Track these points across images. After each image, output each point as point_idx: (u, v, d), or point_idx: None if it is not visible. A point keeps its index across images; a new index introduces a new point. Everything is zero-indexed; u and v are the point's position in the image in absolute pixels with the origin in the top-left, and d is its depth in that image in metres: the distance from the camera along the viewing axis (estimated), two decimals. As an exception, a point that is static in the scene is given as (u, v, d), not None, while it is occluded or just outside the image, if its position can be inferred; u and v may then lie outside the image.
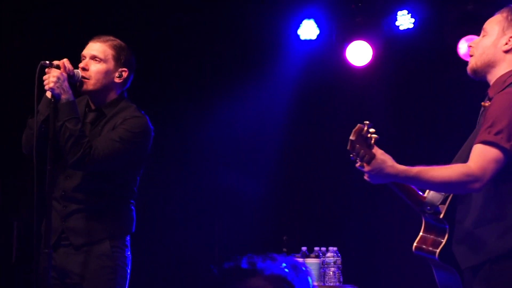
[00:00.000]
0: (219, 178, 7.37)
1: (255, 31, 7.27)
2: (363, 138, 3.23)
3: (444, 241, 3.50)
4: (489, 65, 3.60)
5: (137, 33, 6.96)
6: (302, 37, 7.24)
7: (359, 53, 7.17)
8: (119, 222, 4.17)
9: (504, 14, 3.63)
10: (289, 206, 7.61)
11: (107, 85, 4.20)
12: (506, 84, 3.52)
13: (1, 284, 6.74)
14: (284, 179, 7.51)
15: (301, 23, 7.22)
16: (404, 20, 7.00)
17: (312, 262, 5.95)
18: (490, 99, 3.53)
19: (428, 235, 3.57)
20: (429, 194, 3.54)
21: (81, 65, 4.18)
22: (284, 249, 6.07)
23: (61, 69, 4.01)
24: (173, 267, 7.21)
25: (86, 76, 4.16)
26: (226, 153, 7.38)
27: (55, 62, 4.02)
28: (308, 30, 7.21)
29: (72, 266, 4.09)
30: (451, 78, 7.11)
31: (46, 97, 4.03)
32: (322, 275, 5.96)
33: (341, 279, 5.98)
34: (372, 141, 3.25)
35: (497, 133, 3.33)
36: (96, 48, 4.21)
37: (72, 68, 4.09)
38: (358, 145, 3.23)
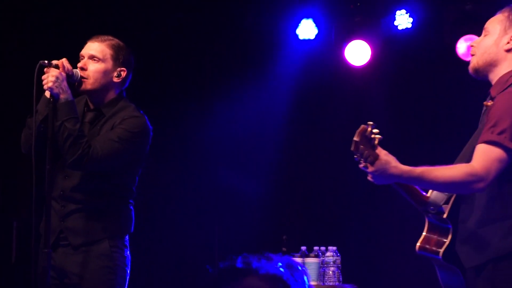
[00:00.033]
0: (218, 177, 7.37)
1: (254, 31, 7.27)
2: (367, 139, 3.24)
3: (447, 241, 3.49)
4: (491, 64, 3.60)
5: (137, 33, 6.97)
6: (301, 37, 7.24)
7: (357, 53, 7.18)
8: (118, 222, 4.17)
9: (506, 14, 3.63)
10: (288, 205, 7.61)
11: (105, 85, 4.20)
12: (509, 83, 3.52)
13: (1, 284, 6.74)
14: (284, 179, 7.51)
15: (299, 22, 7.22)
16: (403, 20, 7.01)
17: (311, 262, 5.96)
18: (492, 99, 3.53)
19: (432, 235, 3.56)
20: (432, 194, 3.53)
21: (79, 64, 4.17)
22: (284, 249, 6.07)
23: (60, 69, 4.01)
24: (173, 267, 7.21)
25: (85, 76, 4.16)
26: (225, 153, 7.38)
27: (54, 62, 4.02)
28: (307, 29, 7.21)
29: (71, 266, 4.08)
30: (450, 77, 7.12)
31: (45, 96, 4.02)
32: (322, 274, 5.96)
33: (341, 279, 5.98)
34: (376, 142, 3.25)
35: (500, 133, 3.33)
36: (95, 47, 4.21)
37: (71, 67, 4.09)
38: (362, 146, 3.24)
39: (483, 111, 3.61)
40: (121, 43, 4.28)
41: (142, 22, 7.16)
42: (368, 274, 7.17)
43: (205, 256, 7.12)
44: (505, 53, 3.59)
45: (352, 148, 3.25)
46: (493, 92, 3.56)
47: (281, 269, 2.90)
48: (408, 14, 6.99)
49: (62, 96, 3.98)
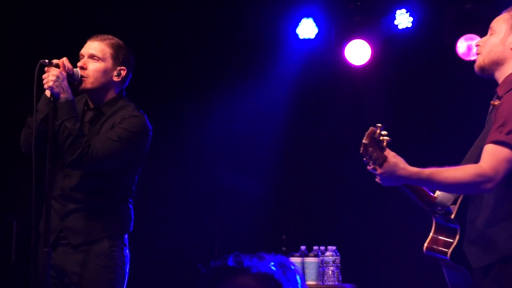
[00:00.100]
0: (218, 177, 7.37)
1: (254, 30, 7.27)
2: (375, 141, 3.24)
3: (455, 241, 3.49)
4: (497, 63, 3.59)
5: (137, 33, 6.97)
6: (301, 36, 7.24)
7: (357, 52, 7.17)
8: (118, 221, 4.17)
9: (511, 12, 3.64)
10: (288, 205, 7.61)
11: (105, 84, 4.20)
12: None
13: (1, 283, 6.74)
14: (283, 179, 7.51)
15: (299, 22, 7.22)
16: (403, 19, 7.01)
17: (311, 261, 5.96)
18: (499, 98, 3.52)
19: (439, 236, 3.56)
20: (439, 195, 3.54)
21: (79, 64, 4.18)
22: (283, 248, 6.07)
23: (61, 68, 4.01)
24: (172, 267, 7.21)
25: (85, 75, 4.16)
26: (225, 152, 7.38)
27: (55, 61, 4.02)
28: (307, 29, 7.21)
29: (71, 265, 4.08)
30: (450, 77, 7.12)
31: (45, 95, 4.02)
32: (321, 274, 5.96)
33: (340, 278, 5.98)
34: (384, 144, 3.25)
35: (508, 133, 3.33)
36: (94, 47, 4.21)
37: (72, 67, 4.09)
38: (371, 148, 3.24)
39: (489, 110, 3.61)
40: (120, 42, 4.28)
41: (141, 22, 7.16)
42: (367, 273, 7.17)
43: (205, 256, 7.11)
44: (511, 51, 3.58)
45: (361, 151, 3.26)
46: (499, 91, 3.55)
47: (273, 268, 2.90)
48: (408, 13, 6.99)
49: (62, 96, 3.99)
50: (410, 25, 7.00)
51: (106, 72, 4.20)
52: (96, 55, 4.18)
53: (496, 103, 3.51)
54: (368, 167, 3.30)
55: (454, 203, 3.52)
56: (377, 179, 3.34)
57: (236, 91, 7.16)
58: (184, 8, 7.24)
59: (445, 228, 3.55)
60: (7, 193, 6.98)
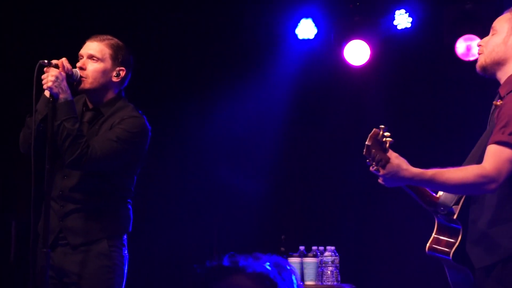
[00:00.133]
0: (217, 177, 7.37)
1: (253, 31, 7.27)
2: (378, 142, 3.24)
3: (457, 241, 3.49)
4: (499, 63, 3.59)
5: (137, 33, 6.97)
6: (300, 37, 7.24)
7: (357, 53, 7.17)
8: (117, 221, 4.17)
9: None
10: (287, 205, 7.61)
11: (104, 84, 4.20)
12: None
13: (0, 283, 6.74)
14: (283, 179, 7.51)
15: (299, 22, 7.22)
16: (402, 20, 7.01)
17: (310, 261, 5.96)
18: (501, 98, 3.52)
19: (441, 236, 3.56)
20: (442, 195, 3.53)
21: (78, 64, 4.17)
22: (282, 248, 6.07)
23: (60, 69, 4.01)
24: (171, 267, 7.21)
25: (84, 76, 4.16)
26: (224, 152, 7.38)
27: (54, 61, 4.02)
28: (306, 29, 7.21)
29: (70, 265, 4.08)
30: (449, 77, 7.13)
31: (45, 96, 4.02)
32: (320, 274, 5.96)
33: (339, 278, 5.98)
34: (387, 145, 3.25)
35: (511, 133, 3.33)
36: (94, 47, 4.21)
37: (71, 67, 4.09)
38: (373, 150, 3.24)
39: (492, 110, 3.60)
40: (120, 42, 4.28)
41: (141, 22, 7.16)
42: (366, 274, 7.18)
43: (204, 256, 7.11)
44: None
45: (364, 153, 3.26)
46: (502, 91, 3.54)
47: (268, 268, 2.91)
48: (408, 13, 6.99)
49: (61, 96, 3.98)
50: (409, 25, 7.00)
51: (105, 73, 4.19)
52: (95, 56, 4.18)
53: (498, 103, 3.51)
54: (371, 168, 3.30)
55: (457, 203, 3.52)
56: (379, 180, 3.34)
57: (235, 92, 7.16)
58: (184, 8, 7.24)
59: (448, 229, 3.55)
60: (7, 193, 6.98)
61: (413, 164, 3.35)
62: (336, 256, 6.00)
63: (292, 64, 7.31)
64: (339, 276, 5.98)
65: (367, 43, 7.14)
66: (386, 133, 3.25)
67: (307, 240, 6.24)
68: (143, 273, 6.67)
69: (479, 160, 3.41)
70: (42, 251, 3.87)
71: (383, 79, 7.27)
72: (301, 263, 5.97)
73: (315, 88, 7.39)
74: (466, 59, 6.82)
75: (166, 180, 7.27)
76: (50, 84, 3.96)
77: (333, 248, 6.05)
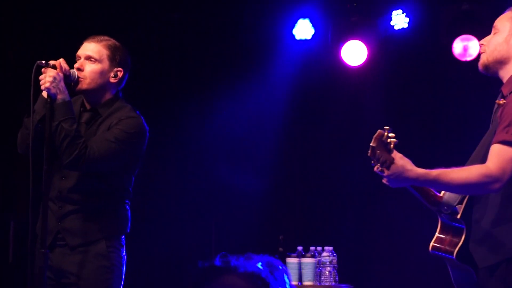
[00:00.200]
0: (215, 178, 7.37)
1: (250, 31, 7.27)
2: (383, 143, 3.26)
3: (461, 241, 3.50)
4: (502, 62, 3.59)
5: (136, 33, 6.98)
6: (298, 37, 7.24)
7: (354, 53, 7.18)
8: (115, 222, 4.18)
9: None
10: (285, 206, 7.61)
11: (102, 85, 4.20)
12: None
13: (-1, 283, 6.75)
14: (281, 179, 7.51)
15: (296, 22, 7.22)
16: (399, 20, 7.01)
17: (308, 262, 5.96)
18: (504, 97, 3.52)
19: (445, 235, 3.57)
20: (445, 195, 3.55)
21: (76, 65, 4.17)
22: (280, 249, 6.07)
23: (57, 69, 4.01)
24: (169, 267, 7.21)
25: (82, 77, 4.16)
26: (222, 153, 7.38)
27: (51, 62, 4.02)
28: (303, 29, 7.22)
29: (68, 266, 4.09)
30: (446, 77, 7.13)
31: (42, 96, 4.02)
32: (318, 274, 5.96)
33: (337, 279, 5.98)
34: (392, 146, 3.27)
35: None
36: (91, 48, 4.20)
37: (69, 68, 4.09)
38: (378, 151, 3.26)
39: (494, 109, 3.60)
40: (117, 43, 4.28)
41: (141, 22, 7.16)
42: (364, 274, 7.18)
43: (202, 256, 7.11)
44: None
45: (369, 154, 3.27)
46: (504, 90, 3.55)
47: (260, 267, 2.91)
48: (405, 14, 6.99)
49: (59, 97, 3.98)
50: (406, 25, 7.01)
51: (103, 74, 4.19)
52: (92, 57, 4.18)
53: (501, 102, 3.51)
54: (375, 169, 3.31)
55: (460, 203, 3.53)
56: (384, 181, 3.36)
57: (233, 92, 7.16)
58: (182, 9, 7.24)
59: (451, 228, 3.56)
60: (5, 193, 6.98)
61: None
62: (334, 256, 6.01)
63: (290, 65, 7.31)
64: (337, 276, 5.98)
65: (364, 44, 7.14)
66: (391, 134, 3.27)
67: (305, 240, 6.25)
68: (141, 274, 6.67)
69: (482, 159, 3.42)
70: (41, 252, 3.86)
71: (381, 80, 7.27)
72: (299, 263, 5.97)
73: (312, 89, 7.39)
74: (463, 59, 6.82)
75: (165, 180, 7.27)
76: (47, 84, 3.96)
77: (331, 248, 6.05)
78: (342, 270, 6.08)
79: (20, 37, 6.88)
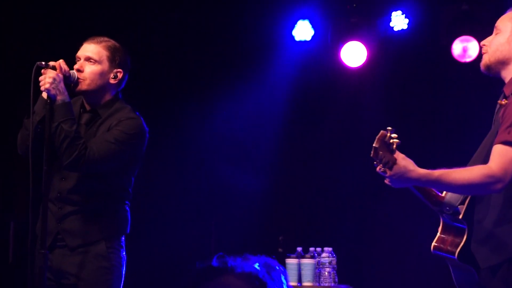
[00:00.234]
0: (215, 179, 7.38)
1: (250, 32, 7.27)
2: (386, 144, 3.27)
3: (463, 241, 3.50)
4: (504, 62, 3.59)
5: (136, 33, 6.98)
6: (297, 38, 7.25)
7: (353, 54, 7.18)
8: (115, 223, 4.18)
9: None
10: (285, 207, 7.61)
11: (102, 86, 4.20)
12: None
13: (-1, 284, 6.75)
14: (280, 180, 7.52)
15: (296, 24, 7.22)
16: (399, 21, 7.02)
17: (307, 263, 5.97)
18: (506, 97, 3.52)
19: (447, 235, 3.58)
20: (447, 195, 3.55)
21: (76, 66, 4.17)
22: (280, 249, 6.08)
23: (57, 70, 4.01)
24: (169, 268, 7.21)
25: (81, 77, 4.16)
26: (222, 154, 7.39)
27: (51, 63, 4.02)
28: (303, 31, 7.22)
29: (68, 267, 4.09)
30: (446, 78, 7.14)
31: (42, 97, 4.03)
32: (317, 275, 5.96)
33: (336, 279, 5.98)
34: (394, 146, 3.28)
35: None
36: (91, 49, 4.21)
37: (68, 69, 4.09)
38: (381, 152, 3.26)
39: (496, 109, 3.60)
40: (117, 44, 4.28)
41: (139, 22, 7.17)
42: (363, 275, 7.19)
43: (202, 257, 7.11)
44: None
45: (371, 155, 3.27)
46: (506, 90, 3.55)
47: (257, 268, 2.91)
48: (404, 15, 7.00)
49: (59, 98, 3.99)
50: (405, 26, 7.01)
51: (102, 75, 4.20)
52: (92, 58, 4.18)
53: (503, 102, 3.51)
54: (378, 169, 3.32)
55: (462, 203, 3.53)
56: (386, 181, 3.36)
57: (233, 93, 7.17)
58: (181, 10, 7.24)
59: (453, 228, 3.56)
60: (5, 194, 6.98)
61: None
62: (333, 257, 6.01)
63: (290, 66, 7.31)
64: (336, 277, 5.98)
65: (364, 45, 7.15)
66: (394, 135, 3.28)
67: (304, 241, 6.25)
68: (141, 274, 6.67)
69: (484, 160, 3.42)
70: (40, 253, 3.87)
71: (380, 80, 7.28)
72: (299, 264, 5.98)
73: (312, 90, 7.40)
74: (463, 60, 6.83)
75: (165, 180, 7.27)
76: (47, 85, 3.96)
77: (330, 249, 6.06)
78: (342, 271, 6.09)
79: (20, 38, 6.88)
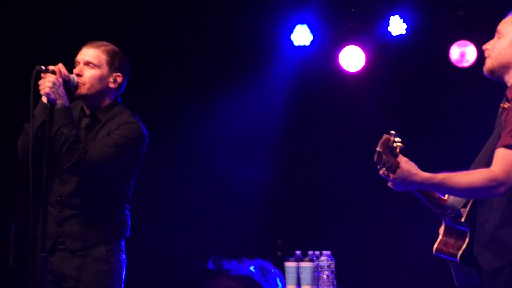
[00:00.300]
0: (215, 180, 7.39)
1: (249, 37, 7.29)
2: (389, 148, 3.27)
3: (465, 244, 3.51)
4: (507, 66, 3.59)
5: (136, 33, 6.99)
6: (296, 43, 7.26)
7: (352, 59, 7.20)
8: (115, 226, 4.19)
9: None
10: (283, 210, 7.62)
11: (101, 90, 4.22)
12: None
13: (-1, 286, 6.76)
14: (279, 184, 7.53)
15: (294, 28, 7.24)
16: (397, 26, 7.04)
17: (306, 266, 5.96)
18: (508, 101, 3.53)
19: (449, 238, 3.58)
20: (450, 198, 3.56)
21: (75, 71, 4.18)
22: (279, 253, 6.09)
23: (57, 75, 4.02)
24: (169, 271, 7.22)
25: (81, 82, 4.17)
26: (220, 156, 7.40)
27: (51, 67, 4.03)
28: (302, 35, 7.24)
29: (68, 270, 4.10)
30: (443, 83, 7.16)
31: (42, 102, 4.04)
32: (316, 278, 5.97)
33: (335, 283, 5.99)
34: (398, 150, 3.28)
35: None
36: (90, 53, 4.22)
37: (68, 73, 4.10)
38: (384, 156, 3.27)
39: (499, 113, 3.61)
40: (116, 48, 4.30)
41: (139, 22, 7.18)
42: (362, 278, 7.19)
43: (201, 260, 7.12)
44: None
45: (375, 159, 3.28)
46: (509, 94, 3.56)
47: (253, 270, 2.94)
48: (402, 20, 7.02)
49: (58, 102, 4.00)
50: (404, 31, 7.03)
51: (102, 79, 4.21)
52: (91, 62, 4.20)
53: (506, 106, 3.51)
54: (381, 173, 3.33)
55: (465, 206, 3.54)
56: (389, 184, 3.38)
57: (231, 97, 7.18)
58: (180, 14, 7.26)
59: (455, 231, 3.57)
60: (6, 197, 6.98)
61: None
62: (332, 260, 6.01)
63: (288, 71, 7.33)
64: (335, 280, 5.99)
65: (362, 49, 7.17)
66: (397, 139, 3.28)
67: (303, 244, 6.26)
68: (141, 275, 6.68)
69: (487, 163, 3.43)
70: (41, 256, 3.88)
71: (378, 85, 7.29)
72: (297, 268, 5.98)
73: (310, 94, 7.41)
74: (460, 65, 6.85)
75: (164, 181, 7.28)
76: (47, 90, 3.97)
77: (329, 252, 6.06)
78: (340, 274, 6.10)
79: (19, 42, 6.89)
